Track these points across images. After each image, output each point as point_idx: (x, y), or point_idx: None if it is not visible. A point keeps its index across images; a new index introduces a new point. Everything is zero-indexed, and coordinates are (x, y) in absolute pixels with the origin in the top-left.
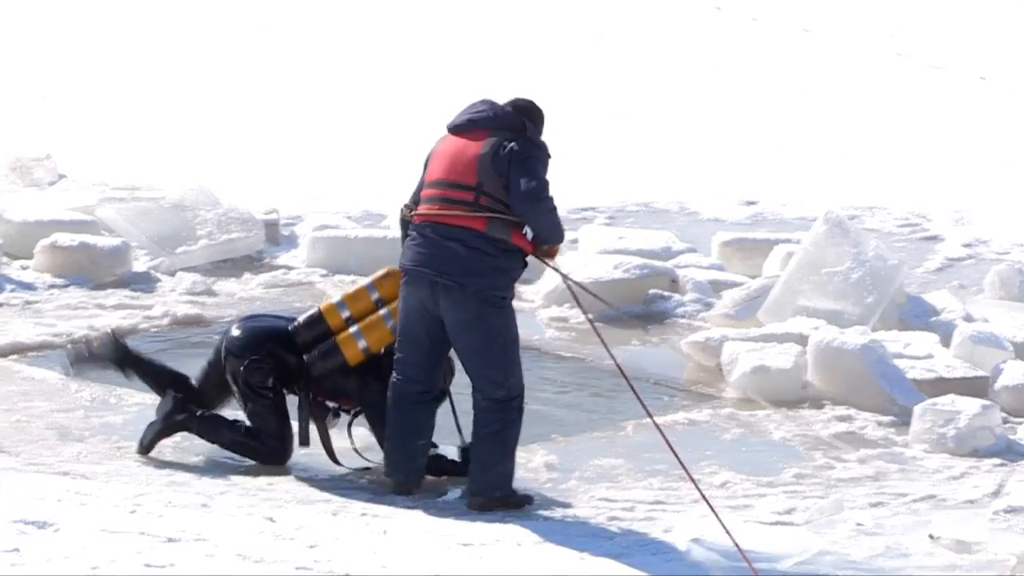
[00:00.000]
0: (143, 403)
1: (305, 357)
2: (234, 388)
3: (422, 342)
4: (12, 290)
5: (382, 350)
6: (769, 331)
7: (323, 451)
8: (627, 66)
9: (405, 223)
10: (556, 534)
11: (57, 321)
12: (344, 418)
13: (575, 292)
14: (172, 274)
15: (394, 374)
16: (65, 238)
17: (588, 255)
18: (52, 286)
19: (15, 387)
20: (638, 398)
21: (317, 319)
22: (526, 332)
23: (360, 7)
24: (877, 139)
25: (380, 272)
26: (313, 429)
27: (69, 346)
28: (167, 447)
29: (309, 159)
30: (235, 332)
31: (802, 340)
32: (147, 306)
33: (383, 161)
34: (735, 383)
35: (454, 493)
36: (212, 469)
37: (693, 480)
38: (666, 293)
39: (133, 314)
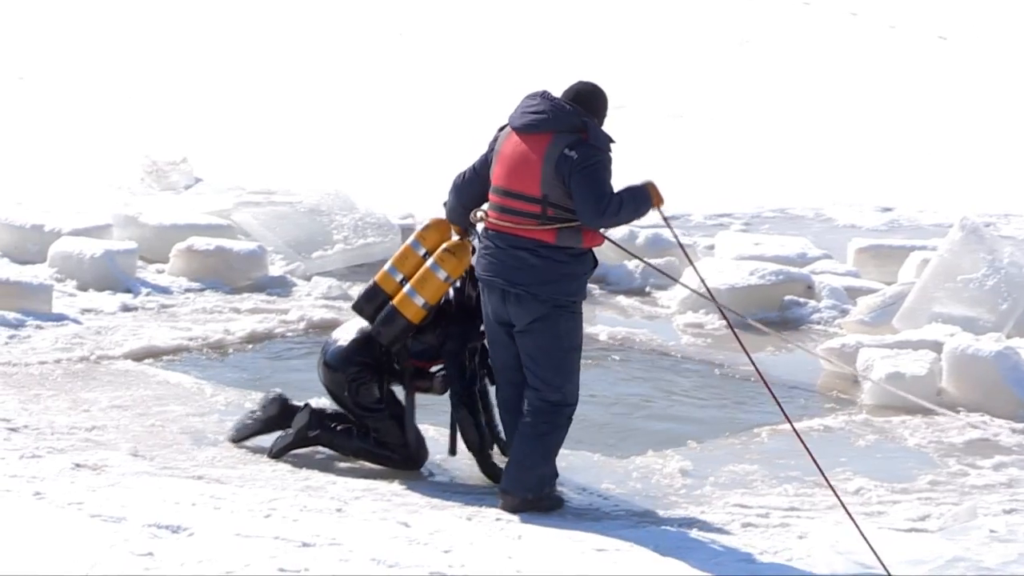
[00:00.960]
0: None
1: (370, 329)
2: (348, 407)
3: (508, 345)
4: (148, 294)
5: (442, 300)
6: (904, 338)
7: (457, 455)
8: (769, 72)
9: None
10: (691, 540)
11: (192, 325)
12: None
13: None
14: (308, 279)
15: (496, 382)
16: (201, 242)
17: (724, 261)
18: (187, 290)
19: (150, 391)
20: (776, 401)
21: (373, 290)
22: (663, 339)
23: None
24: (1014, 145)
25: (422, 225)
26: (461, 442)
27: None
28: (302, 452)
29: (445, 164)
30: (326, 358)
31: (937, 347)
32: (283, 310)
33: None
34: (870, 390)
35: (588, 500)
36: (347, 473)
37: (831, 486)
38: (801, 299)
39: (269, 318)
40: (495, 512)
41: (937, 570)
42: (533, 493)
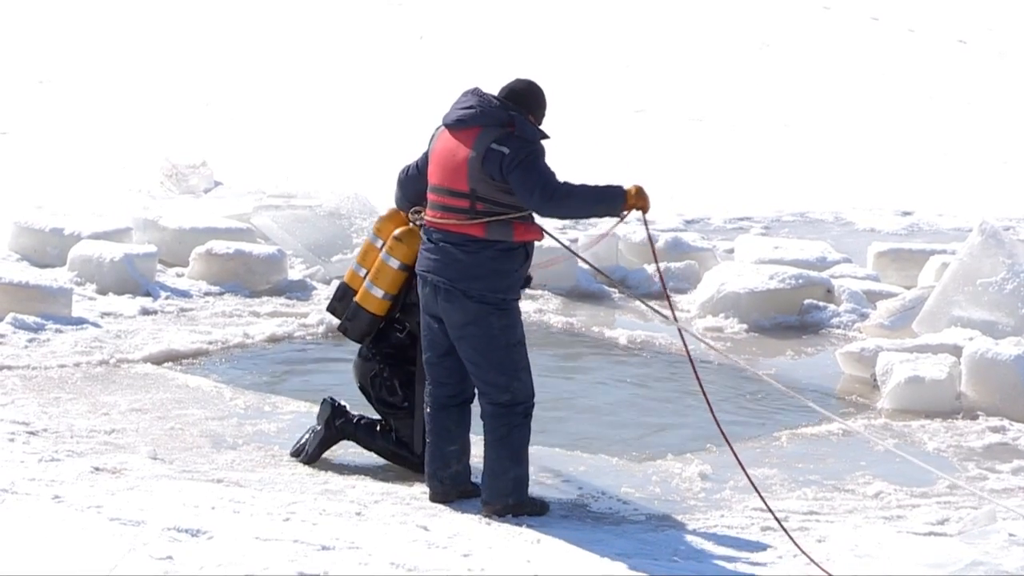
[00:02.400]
0: (297, 411)
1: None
2: (373, 403)
3: (442, 344)
4: (167, 297)
5: (405, 290)
6: (923, 342)
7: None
8: (788, 76)
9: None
10: (710, 545)
11: (212, 329)
12: None
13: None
14: (327, 282)
15: (427, 380)
16: (220, 246)
17: (743, 265)
18: (207, 294)
19: (169, 394)
20: (696, 375)
21: (342, 289)
22: (682, 343)
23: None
24: None
25: (378, 217)
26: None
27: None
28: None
29: None
30: (360, 350)
31: (956, 351)
32: (302, 314)
33: None
34: (889, 394)
35: (607, 504)
36: (366, 477)
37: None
38: (821, 303)
39: (288, 322)
40: (514, 516)
41: (956, 574)
42: (513, 498)
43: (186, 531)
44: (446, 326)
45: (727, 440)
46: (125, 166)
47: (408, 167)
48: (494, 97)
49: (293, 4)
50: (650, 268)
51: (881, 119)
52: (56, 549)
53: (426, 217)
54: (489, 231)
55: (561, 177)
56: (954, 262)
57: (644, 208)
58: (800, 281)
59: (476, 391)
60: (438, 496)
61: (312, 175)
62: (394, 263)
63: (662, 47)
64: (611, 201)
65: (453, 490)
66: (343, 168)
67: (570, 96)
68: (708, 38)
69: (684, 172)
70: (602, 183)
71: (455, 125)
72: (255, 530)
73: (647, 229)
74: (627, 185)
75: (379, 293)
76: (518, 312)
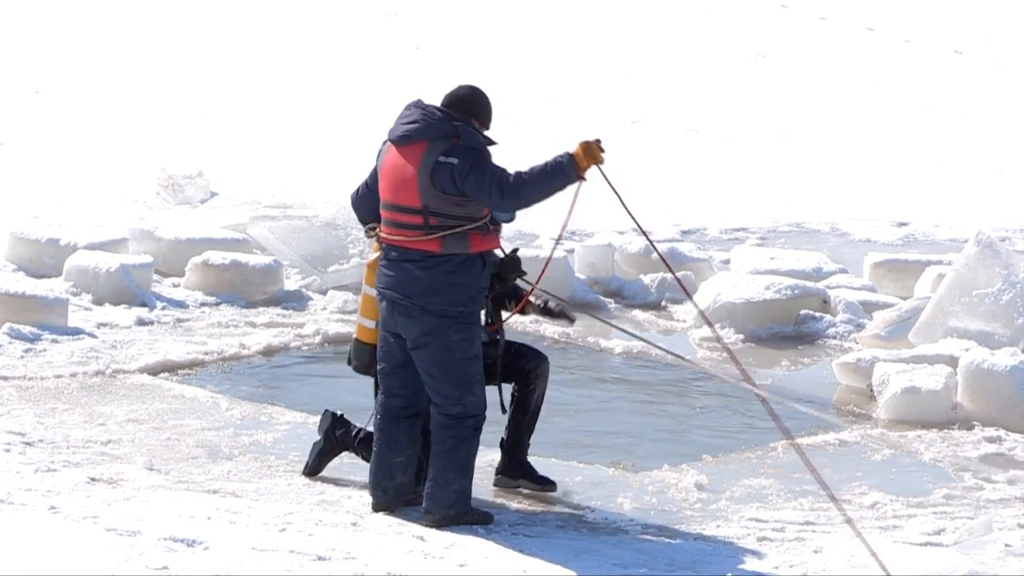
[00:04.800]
0: (293, 421)
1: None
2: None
3: (397, 356)
4: (163, 308)
5: None
6: (920, 352)
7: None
8: (785, 86)
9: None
10: (707, 555)
11: (208, 339)
12: None
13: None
14: (324, 293)
15: (380, 390)
16: (216, 256)
17: (740, 275)
18: (203, 304)
19: (165, 405)
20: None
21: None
22: (678, 352)
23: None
24: None
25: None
26: None
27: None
28: None
29: None
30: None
31: (952, 361)
32: (298, 324)
33: None
34: (885, 404)
35: (604, 514)
36: (362, 488)
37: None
38: (817, 314)
39: (284, 332)
40: (510, 526)
41: None
42: (455, 509)
43: (182, 541)
44: (404, 339)
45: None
46: (121, 176)
47: (358, 188)
48: (437, 108)
49: (289, 15)
50: (647, 279)
51: (877, 129)
52: (52, 560)
53: (381, 234)
54: (445, 245)
55: (512, 170)
56: (950, 273)
57: (598, 161)
58: (796, 291)
59: (429, 403)
60: (380, 506)
61: (308, 186)
62: (372, 292)
63: (658, 57)
64: (563, 172)
65: (396, 501)
66: (339, 179)
67: (566, 106)
68: (704, 49)
69: (680, 182)
70: (549, 159)
71: (400, 141)
72: (251, 540)
73: (609, 184)
74: (572, 148)
75: (370, 324)
76: (477, 325)
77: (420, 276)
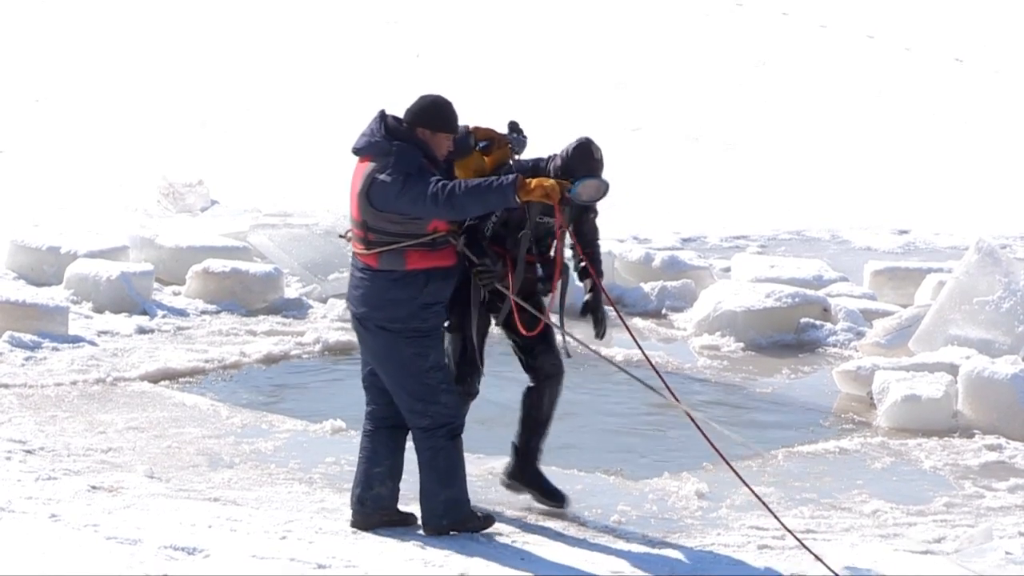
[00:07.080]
0: (293, 429)
1: None
2: None
3: (369, 366)
4: (164, 316)
5: None
6: (920, 360)
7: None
8: (785, 94)
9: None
10: (707, 562)
11: (208, 347)
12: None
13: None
14: (324, 301)
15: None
16: (217, 264)
17: (740, 283)
18: (203, 312)
19: (166, 413)
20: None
21: None
22: (679, 361)
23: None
24: None
25: None
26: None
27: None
28: (317, 474)
29: None
30: None
31: (953, 369)
32: (299, 332)
33: None
34: (886, 412)
35: (604, 522)
36: None
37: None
38: (817, 322)
39: (284, 340)
40: (511, 534)
41: None
42: (447, 519)
43: (183, 549)
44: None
45: (723, 456)
46: (122, 184)
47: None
48: (386, 125)
49: (289, 23)
50: (647, 287)
51: (877, 137)
52: (53, 568)
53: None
54: (380, 261)
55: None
56: (950, 280)
57: (551, 200)
58: (796, 299)
59: None
60: (358, 522)
61: (308, 194)
62: None
63: (658, 65)
64: (503, 191)
65: (375, 514)
66: (339, 187)
67: (566, 114)
68: (705, 56)
69: (680, 191)
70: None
71: (355, 153)
72: (251, 548)
73: (559, 222)
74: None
75: None
76: (434, 337)
77: (365, 288)
